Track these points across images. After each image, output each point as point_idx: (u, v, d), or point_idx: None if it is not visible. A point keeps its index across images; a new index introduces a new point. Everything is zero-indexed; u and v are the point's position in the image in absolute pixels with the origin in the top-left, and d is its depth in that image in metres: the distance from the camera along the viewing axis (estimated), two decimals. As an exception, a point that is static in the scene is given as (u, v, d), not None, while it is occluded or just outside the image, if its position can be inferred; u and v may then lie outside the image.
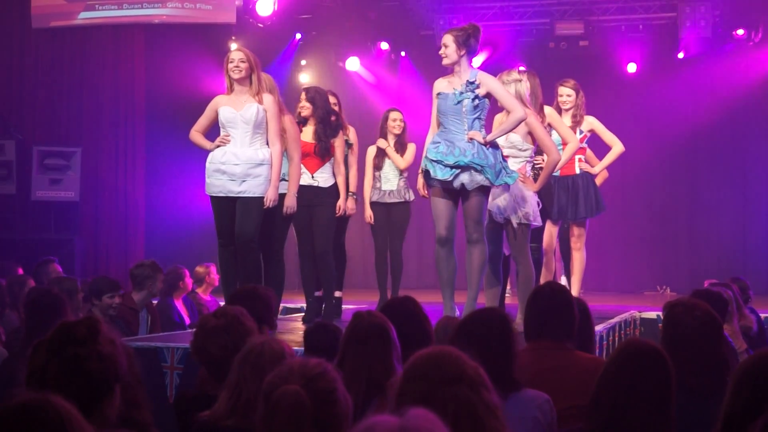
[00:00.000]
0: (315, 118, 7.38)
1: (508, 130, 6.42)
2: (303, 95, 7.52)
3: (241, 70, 6.43)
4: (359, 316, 3.53)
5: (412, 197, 8.39)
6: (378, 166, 8.35)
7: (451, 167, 6.20)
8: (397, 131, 8.40)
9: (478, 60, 11.25)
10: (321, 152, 7.34)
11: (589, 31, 12.34)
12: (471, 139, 6.21)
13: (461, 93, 6.25)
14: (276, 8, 11.54)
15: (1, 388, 4.59)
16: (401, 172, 8.38)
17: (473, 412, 2.15)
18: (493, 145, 6.31)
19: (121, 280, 8.48)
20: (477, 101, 6.26)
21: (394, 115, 8.48)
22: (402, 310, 3.92)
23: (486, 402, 2.18)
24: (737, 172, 13.07)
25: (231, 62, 6.46)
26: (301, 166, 7.12)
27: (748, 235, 12.96)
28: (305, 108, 7.42)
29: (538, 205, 6.78)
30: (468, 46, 6.29)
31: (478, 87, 6.25)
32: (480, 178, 6.21)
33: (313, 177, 7.36)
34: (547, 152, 6.88)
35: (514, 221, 6.63)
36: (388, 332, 3.46)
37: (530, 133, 6.82)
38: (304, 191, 7.12)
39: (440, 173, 6.24)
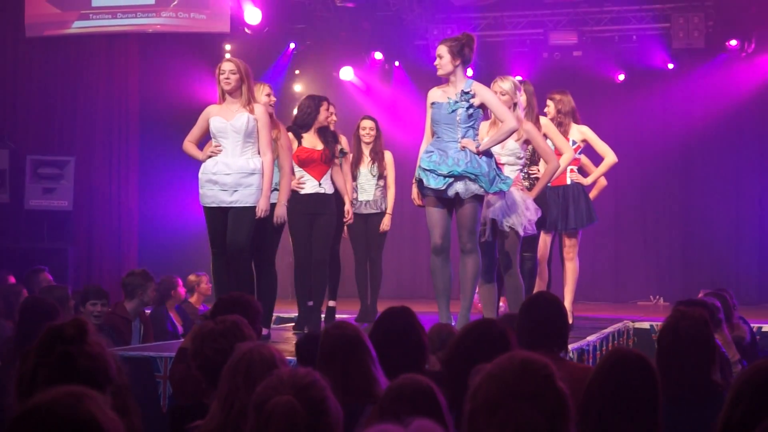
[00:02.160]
0: (321, 127, 7.42)
1: (500, 140, 6.41)
2: (328, 105, 7.52)
3: (230, 82, 6.39)
4: (326, 331, 3.58)
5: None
6: (354, 176, 8.23)
7: (445, 176, 6.20)
8: (368, 140, 8.26)
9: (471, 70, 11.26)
10: (329, 158, 7.37)
11: (582, 42, 12.37)
12: (464, 147, 6.21)
13: (456, 102, 6.24)
14: (264, 17, 11.55)
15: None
16: (377, 181, 8.29)
17: None
18: (486, 154, 6.30)
19: (115, 289, 8.47)
20: (471, 110, 6.26)
21: (364, 123, 8.34)
22: (398, 320, 3.92)
23: None
24: (730, 182, 13.08)
25: (222, 73, 6.41)
26: (306, 173, 7.23)
27: (741, 245, 12.97)
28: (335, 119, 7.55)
29: (537, 213, 6.77)
30: (462, 56, 6.29)
31: (473, 97, 6.25)
32: (474, 187, 6.21)
33: (320, 184, 7.38)
34: (546, 160, 6.88)
35: (506, 224, 6.60)
36: (357, 343, 3.47)
37: (526, 141, 6.82)
38: (310, 199, 7.20)
39: (433, 182, 6.23)
